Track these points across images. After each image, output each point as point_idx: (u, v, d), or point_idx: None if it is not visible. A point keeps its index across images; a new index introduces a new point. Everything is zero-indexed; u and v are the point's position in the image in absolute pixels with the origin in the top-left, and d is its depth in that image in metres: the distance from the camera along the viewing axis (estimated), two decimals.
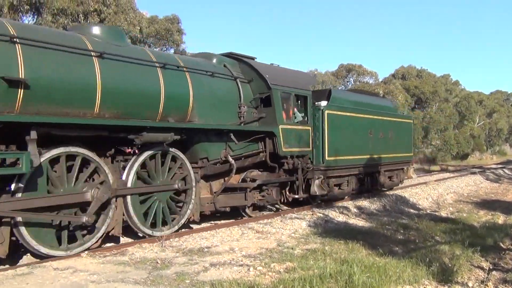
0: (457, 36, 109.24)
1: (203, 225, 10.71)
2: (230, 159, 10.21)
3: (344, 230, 10.11)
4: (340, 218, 11.93)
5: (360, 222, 11.64)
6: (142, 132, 8.42)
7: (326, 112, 12.78)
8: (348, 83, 52.73)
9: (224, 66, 11.17)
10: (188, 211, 9.63)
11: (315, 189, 12.48)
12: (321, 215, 11.88)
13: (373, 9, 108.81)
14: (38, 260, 7.28)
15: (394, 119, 17.05)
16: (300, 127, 12.22)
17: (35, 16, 18.08)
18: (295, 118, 12.33)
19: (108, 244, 8.67)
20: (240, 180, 11.09)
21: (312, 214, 11.88)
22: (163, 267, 6.81)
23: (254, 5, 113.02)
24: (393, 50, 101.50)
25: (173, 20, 25.96)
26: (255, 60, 12.43)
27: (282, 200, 12.58)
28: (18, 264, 7.25)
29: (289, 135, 11.62)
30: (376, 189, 16.18)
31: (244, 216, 11.23)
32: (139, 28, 21.15)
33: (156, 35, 24.28)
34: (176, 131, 9.06)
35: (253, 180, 10.96)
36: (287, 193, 12.38)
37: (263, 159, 11.29)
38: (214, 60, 11.19)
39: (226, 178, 10.48)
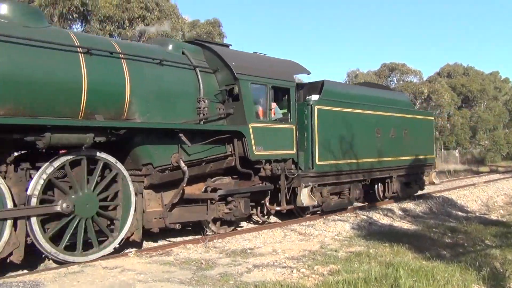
0: (506, 31, 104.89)
1: (246, 226, 10.77)
2: (182, 164, 8.41)
3: (388, 233, 9.91)
4: (384, 220, 11.70)
5: (405, 225, 11.37)
6: (45, 133, 6.72)
7: (316, 108, 10.82)
8: (391, 83, 51.72)
9: (183, 53, 9.40)
10: (124, 230, 7.81)
11: (302, 199, 10.54)
12: (364, 217, 11.69)
13: (416, 6, 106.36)
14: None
15: (410, 116, 14.73)
16: (279, 126, 10.23)
17: (83, 24, 18.76)
18: (273, 114, 10.43)
19: (153, 244, 8.90)
20: (203, 190, 9.52)
21: (356, 217, 11.71)
22: (207, 268, 6.91)
23: (292, 7, 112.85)
24: (438, 48, 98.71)
25: (214, 24, 26.41)
26: (230, 48, 10.79)
27: (265, 212, 10.88)
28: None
29: (263, 135, 9.67)
30: (388, 198, 14.10)
31: (208, 233, 9.39)
32: (181, 32, 21.56)
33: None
34: (100, 132, 7.31)
35: (215, 190, 9.28)
36: (267, 204, 10.42)
37: (233, 164, 9.54)
38: (170, 47, 9.40)
39: (178, 189, 8.60)
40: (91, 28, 18.47)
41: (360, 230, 10.25)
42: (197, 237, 9.16)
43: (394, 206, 13.61)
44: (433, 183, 16.70)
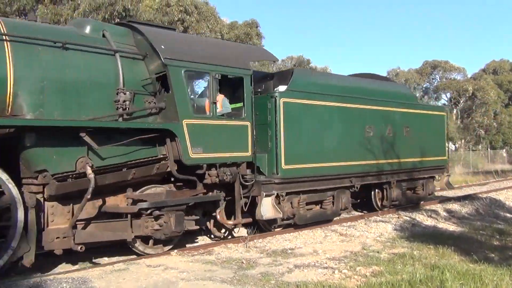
0: None
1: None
2: (88, 171, 6.81)
3: (433, 235, 9.65)
4: (428, 222, 11.39)
5: (450, 227, 11.03)
6: None
7: (282, 101, 9.13)
8: (434, 80, 50.37)
9: (103, 36, 7.87)
10: (7, 253, 6.28)
11: (261, 211, 8.90)
12: (407, 218, 11.43)
13: (459, 1, 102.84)
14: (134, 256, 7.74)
15: (413, 111, 12.72)
16: (227, 123, 8.54)
17: None
18: (220, 108, 8.65)
19: (195, 244, 9.03)
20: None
21: (398, 217, 11.47)
22: (248, 267, 6.94)
23: (331, 7, 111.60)
24: (483, 44, 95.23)
25: (252, 25, 26.51)
26: (176, 32, 9.22)
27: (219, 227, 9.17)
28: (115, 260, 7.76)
29: (203, 134, 8.05)
30: (386, 206, 12.23)
31: (138, 253, 7.89)
32: (220, 34, 21.77)
33: (236, 39, 24.87)
34: None
35: (137, 202, 7.60)
36: (219, 217, 8.60)
37: (168, 169, 7.96)
38: (87, 28, 7.82)
39: (81, 203, 6.91)
40: None
41: (403, 231, 10.02)
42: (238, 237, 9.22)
43: (439, 207, 13.25)
44: (445, 188, 14.67)
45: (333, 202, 10.40)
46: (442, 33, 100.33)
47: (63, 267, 7.35)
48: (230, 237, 9.59)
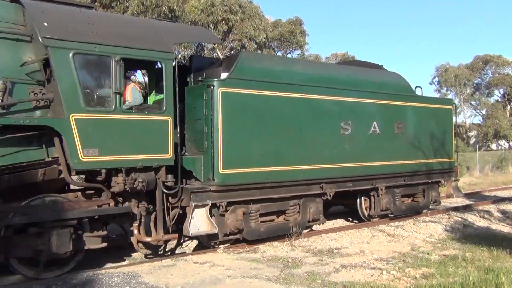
0: None
1: (331, 225, 10.63)
2: None
3: (486, 236, 9.25)
4: (481, 223, 10.94)
5: (505, 228, 10.54)
6: None
7: (221, 91, 7.58)
8: (486, 76, 48.35)
9: None
10: None
11: (190, 225, 7.32)
12: (458, 219, 11.03)
13: None
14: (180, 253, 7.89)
15: (409, 104, 10.71)
16: (137, 118, 7.01)
17: None
18: (129, 99, 7.26)
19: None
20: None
21: (449, 218, 11.08)
22: (294, 266, 6.92)
23: (376, 3, 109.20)
24: None
25: (295, 22, 26.40)
26: (94, 10, 7.94)
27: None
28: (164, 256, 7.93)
29: (101, 132, 6.64)
30: (374, 216, 10.38)
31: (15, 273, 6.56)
32: (264, 33, 21.81)
33: (280, 38, 24.85)
34: None
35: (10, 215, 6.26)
36: (135, 231, 7.21)
37: (61, 175, 6.65)
38: None
39: None
40: None
41: (454, 232, 9.68)
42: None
43: (492, 207, 12.70)
44: (452, 196, 12.26)
45: (298, 213, 8.78)
46: (494, 27, 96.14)
47: (114, 261, 7.59)
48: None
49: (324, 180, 8.93)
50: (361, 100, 9.69)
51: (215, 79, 7.72)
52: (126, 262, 7.64)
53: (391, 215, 10.57)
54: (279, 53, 27.66)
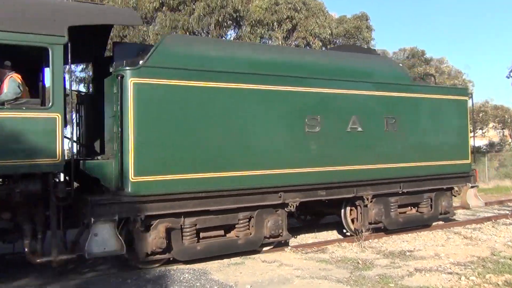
0: None
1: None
2: None
3: None
4: None
5: None
6: None
7: (133, 82, 6.34)
8: None
9: None
10: None
11: (91, 243, 6.08)
12: None
13: None
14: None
15: (407, 95, 8.99)
16: (9, 115, 5.81)
17: (236, 29, 19.87)
18: None
19: (308, 241, 8.98)
20: None
21: None
22: (365, 268, 6.71)
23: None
24: None
25: (361, 18, 25.80)
26: None
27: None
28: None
29: None
30: (360, 230, 8.52)
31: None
32: (329, 30, 21.49)
33: (345, 34, 24.38)
34: None
35: None
36: (26, 249, 6.22)
37: None
38: None
39: None
40: (243, 32, 19.49)
41: None
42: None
43: None
44: (468, 207, 10.15)
45: (252, 227, 7.46)
46: None
47: None
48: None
49: (284, 188, 7.49)
50: (335, 91, 8.06)
51: (127, 68, 6.41)
52: None
53: (389, 229, 9.00)
54: None
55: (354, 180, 8.22)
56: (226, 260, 7.19)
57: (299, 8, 20.36)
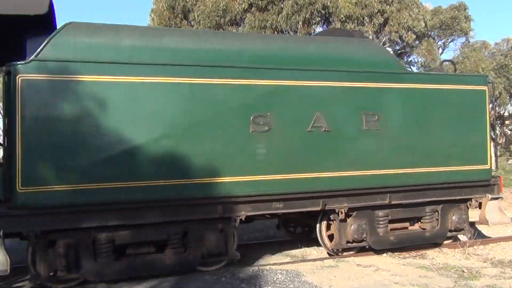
0: None
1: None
2: None
3: None
4: None
5: None
6: None
7: (20, 78, 5.42)
8: None
9: None
10: None
11: None
12: None
13: None
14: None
15: (395, 86, 7.15)
16: None
17: (325, 26, 19.56)
18: None
19: None
20: None
21: None
22: (471, 277, 6.21)
23: None
24: None
25: (459, 8, 24.31)
26: None
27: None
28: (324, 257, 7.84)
29: None
30: (336, 251, 7.30)
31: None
32: (423, 22, 20.44)
33: (441, 26, 23.06)
34: None
35: None
36: None
37: None
38: None
39: None
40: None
41: None
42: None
43: None
44: (486, 223, 7.84)
45: (187, 245, 6.33)
46: None
47: (277, 258, 7.72)
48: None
49: (223, 200, 6.24)
50: (291, 83, 6.58)
51: (14, 63, 5.47)
52: (288, 259, 7.71)
53: (377, 249, 7.40)
54: (439, 43, 25.65)
55: (321, 190, 6.71)
56: (319, 263, 7.04)
57: (390, 1, 19.58)
